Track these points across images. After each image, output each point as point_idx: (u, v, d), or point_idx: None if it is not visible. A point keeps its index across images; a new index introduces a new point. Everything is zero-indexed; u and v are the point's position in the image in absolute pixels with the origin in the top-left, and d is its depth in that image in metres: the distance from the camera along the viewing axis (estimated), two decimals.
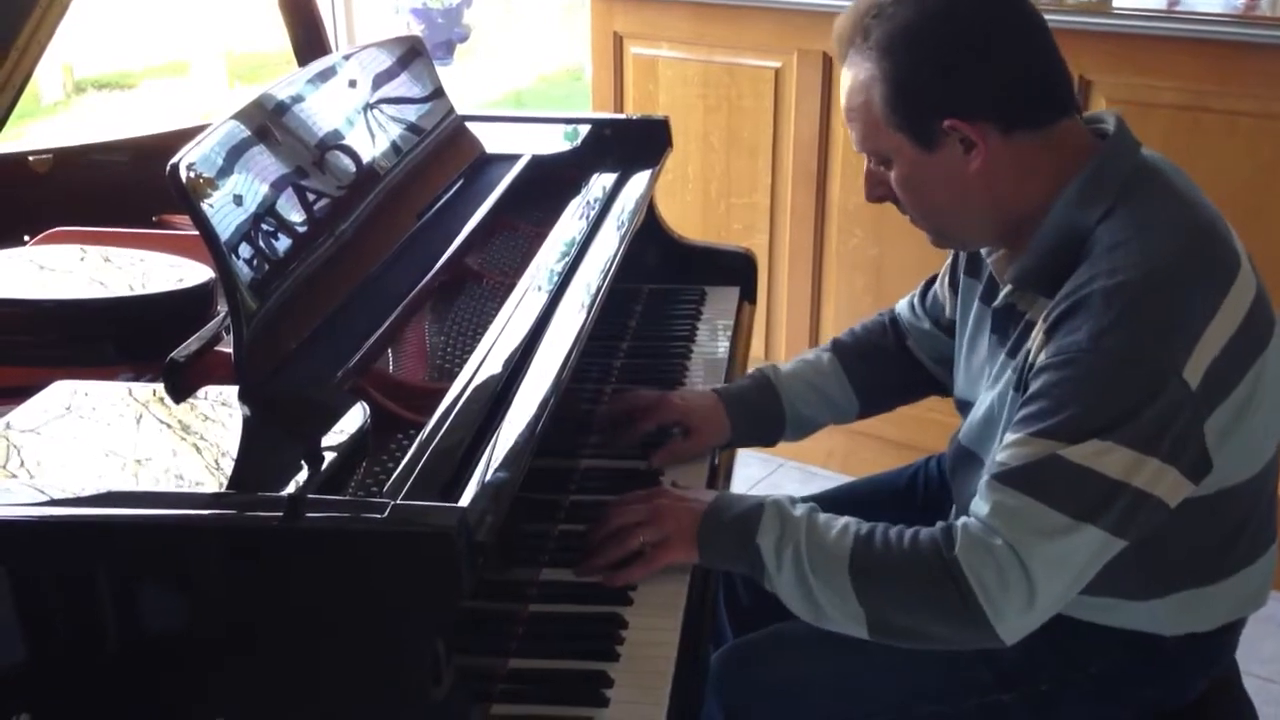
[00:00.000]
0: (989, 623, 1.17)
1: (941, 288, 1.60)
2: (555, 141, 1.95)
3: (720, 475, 1.61)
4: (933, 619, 1.20)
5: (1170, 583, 1.31)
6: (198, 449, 1.11)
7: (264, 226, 1.26)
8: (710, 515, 1.29)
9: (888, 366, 1.64)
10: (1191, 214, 1.27)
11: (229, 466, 1.09)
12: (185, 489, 1.04)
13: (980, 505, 1.20)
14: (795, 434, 1.64)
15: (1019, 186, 1.27)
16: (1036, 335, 1.25)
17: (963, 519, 1.21)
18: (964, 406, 1.47)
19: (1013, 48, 1.26)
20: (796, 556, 1.23)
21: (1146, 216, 1.23)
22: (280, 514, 0.95)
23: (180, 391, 1.16)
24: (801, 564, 1.23)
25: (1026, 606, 1.17)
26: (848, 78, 1.30)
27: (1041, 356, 1.21)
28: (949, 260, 1.58)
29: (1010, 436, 1.20)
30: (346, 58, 1.63)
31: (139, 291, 1.44)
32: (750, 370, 1.69)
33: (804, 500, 1.33)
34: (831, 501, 1.43)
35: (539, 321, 1.35)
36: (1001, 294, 1.34)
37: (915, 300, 1.64)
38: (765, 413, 1.60)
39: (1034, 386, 1.21)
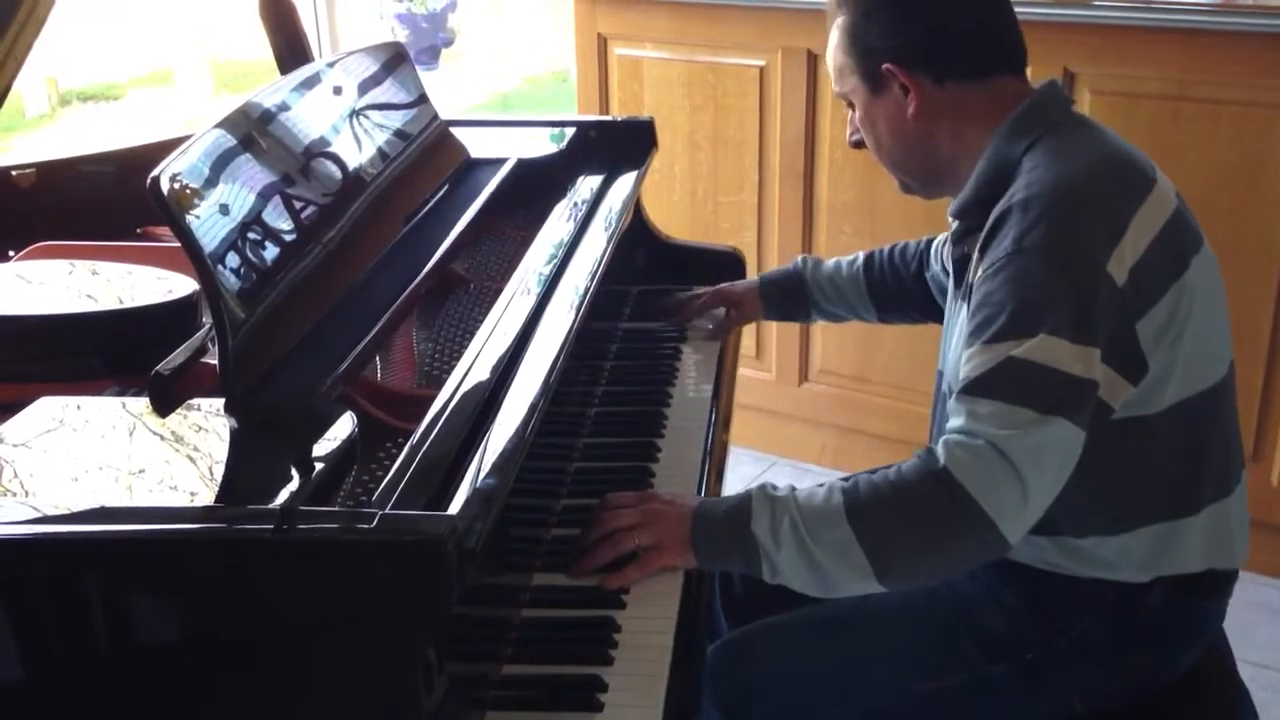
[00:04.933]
0: (991, 522, 1.20)
1: (944, 246, 1.70)
2: (541, 144, 1.96)
3: (711, 471, 1.61)
4: (937, 538, 1.23)
5: (1140, 517, 1.34)
6: (192, 460, 1.11)
7: (248, 236, 1.25)
8: (701, 516, 1.30)
9: (904, 289, 1.80)
10: (1109, 144, 1.36)
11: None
12: (179, 502, 1.04)
13: (954, 420, 1.25)
14: (826, 320, 1.91)
15: (954, 133, 1.39)
16: (973, 261, 1.34)
17: (942, 437, 1.25)
18: (940, 375, 1.52)
19: (950, 7, 1.38)
20: (793, 527, 1.25)
21: (1066, 145, 1.33)
22: (270, 526, 0.94)
23: (165, 405, 1.15)
24: (799, 532, 1.24)
25: (1021, 500, 1.21)
26: (830, 33, 1.45)
27: (978, 274, 1.30)
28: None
29: (966, 352, 1.27)
30: (330, 65, 1.63)
31: (126, 305, 1.44)
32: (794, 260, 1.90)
33: None
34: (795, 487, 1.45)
35: (527, 325, 1.35)
36: (950, 237, 1.44)
37: (938, 240, 1.76)
38: (793, 299, 1.88)
39: (975, 301, 1.28)
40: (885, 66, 1.38)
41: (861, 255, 1.84)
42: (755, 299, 1.89)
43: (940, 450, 1.23)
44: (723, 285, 1.93)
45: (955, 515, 1.21)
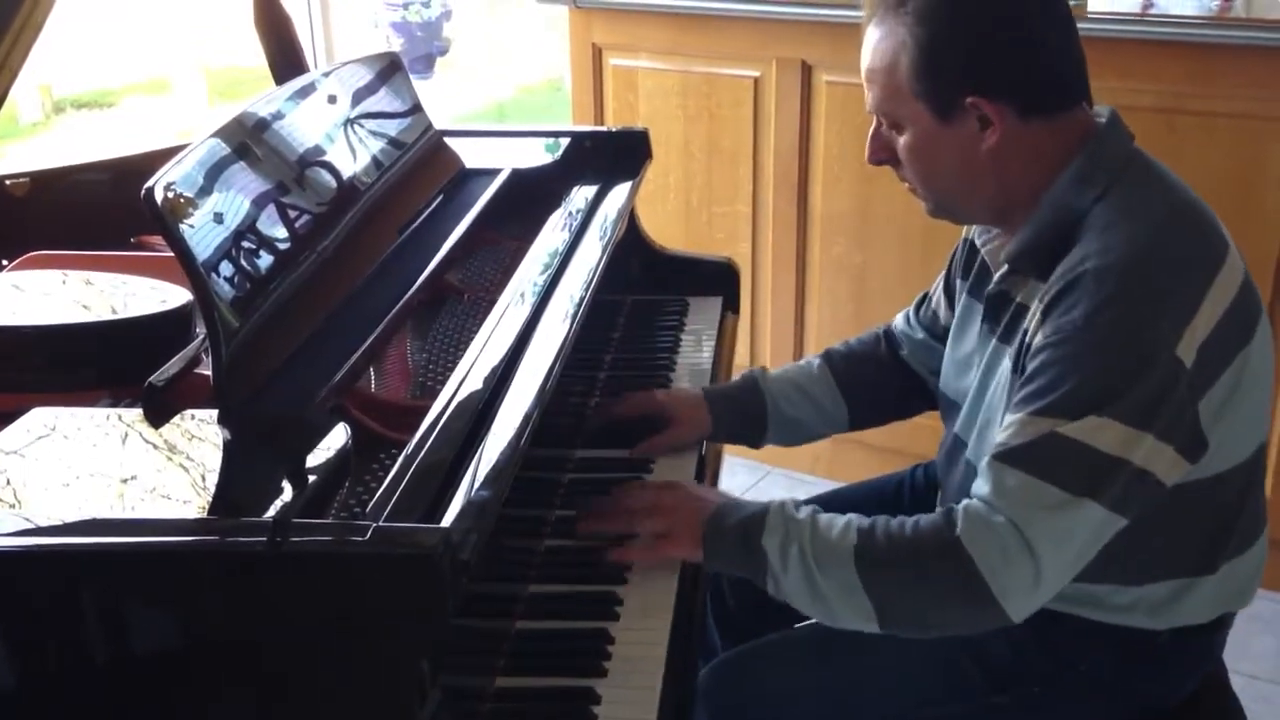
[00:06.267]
0: (996, 600, 1.18)
1: (936, 296, 1.61)
2: (535, 155, 1.95)
3: (707, 481, 1.61)
4: (941, 603, 1.22)
5: (1162, 572, 1.32)
6: (184, 468, 1.10)
7: (243, 245, 1.25)
8: (716, 517, 1.30)
9: (879, 375, 1.65)
10: (1181, 199, 1.29)
11: None
12: (171, 510, 1.04)
13: (981, 485, 1.21)
14: (783, 436, 1.64)
15: (1024, 168, 1.29)
16: (1033, 315, 1.27)
17: (964, 501, 1.22)
18: (947, 403, 1.49)
19: (1045, 34, 1.28)
20: (802, 555, 1.24)
21: (1138, 200, 1.26)
22: (263, 539, 0.94)
23: (159, 416, 1.15)
24: (807, 562, 1.24)
25: (1032, 582, 1.18)
26: (875, 37, 1.30)
27: (1039, 337, 1.23)
28: (944, 271, 1.60)
29: (1009, 417, 1.22)
30: (326, 75, 1.63)
31: (120, 315, 1.43)
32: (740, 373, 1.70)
33: None
34: (820, 506, 1.43)
35: (521, 336, 1.34)
36: (995, 277, 1.36)
37: (910, 313, 1.66)
38: (747, 409, 1.61)
39: (1031, 366, 1.23)
40: (970, 99, 1.25)
41: (815, 356, 1.66)
42: (700, 412, 1.58)
43: (959, 517, 1.20)
44: (657, 391, 1.63)
45: (960, 588, 1.19)
